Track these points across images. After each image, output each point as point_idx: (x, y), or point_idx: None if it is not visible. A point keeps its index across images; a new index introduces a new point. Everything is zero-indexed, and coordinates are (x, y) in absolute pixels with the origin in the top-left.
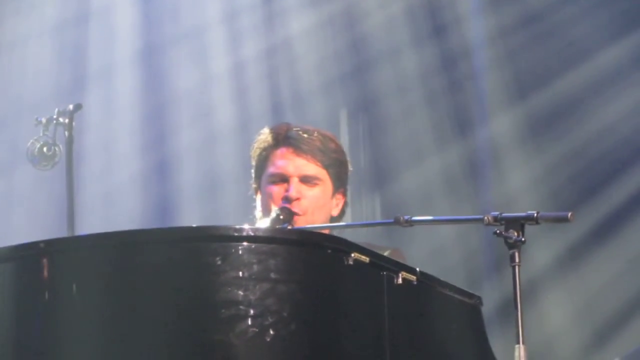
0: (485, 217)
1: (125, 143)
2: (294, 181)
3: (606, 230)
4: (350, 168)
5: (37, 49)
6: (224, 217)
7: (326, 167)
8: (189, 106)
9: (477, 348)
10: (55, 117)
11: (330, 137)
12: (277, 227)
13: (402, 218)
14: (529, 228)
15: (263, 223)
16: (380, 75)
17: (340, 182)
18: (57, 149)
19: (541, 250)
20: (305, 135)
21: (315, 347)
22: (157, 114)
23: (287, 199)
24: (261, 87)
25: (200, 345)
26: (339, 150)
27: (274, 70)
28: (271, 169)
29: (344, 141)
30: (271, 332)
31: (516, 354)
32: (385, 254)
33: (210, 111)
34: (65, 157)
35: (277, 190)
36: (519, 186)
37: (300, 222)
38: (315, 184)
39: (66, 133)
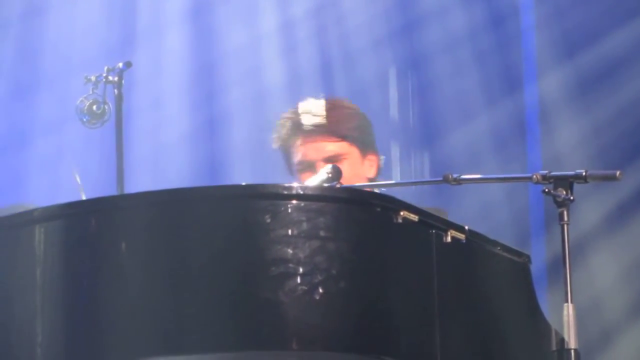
0: (534, 176)
1: (174, 101)
2: (320, 165)
3: None
4: (369, 125)
5: (86, 6)
6: (274, 176)
7: (346, 138)
8: (239, 64)
9: (526, 306)
10: (104, 75)
11: (342, 104)
12: (326, 185)
13: (450, 176)
14: (577, 186)
15: (312, 181)
16: (429, 33)
17: (366, 144)
18: (106, 107)
19: (590, 208)
20: (315, 117)
21: (364, 305)
22: (207, 71)
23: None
24: (310, 45)
25: (249, 303)
26: (355, 114)
27: (323, 28)
28: (296, 159)
29: (393, 99)
30: (320, 289)
31: (565, 312)
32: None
33: (260, 69)
34: (114, 115)
35: (308, 176)
36: (567, 144)
37: None
38: (340, 161)
39: (115, 91)
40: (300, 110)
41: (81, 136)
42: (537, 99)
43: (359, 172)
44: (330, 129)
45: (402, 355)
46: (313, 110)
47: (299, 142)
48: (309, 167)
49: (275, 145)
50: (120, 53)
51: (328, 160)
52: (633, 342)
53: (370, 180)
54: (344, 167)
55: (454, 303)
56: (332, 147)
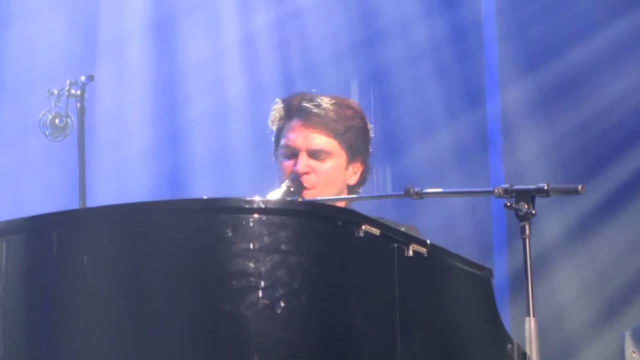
0: (496, 189)
1: (137, 114)
2: (303, 156)
3: (617, 202)
4: (371, 133)
5: (49, 20)
6: (235, 189)
7: (339, 138)
8: (201, 77)
9: (488, 320)
10: (67, 88)
11: (347, 103)
12: (288, 199)
13: (412, 190)
14: (539, 200)
15: (274, 195)
16: (391, 46)
17: (356, 151)
18: (69, 120)
19: (552, 222)
20: (316, 107)
21: (326, 319)
22: (169, 84)
23: (295, 174)
24: (272, 57)
25: (210, 317)
26: (356, 116)
27: (285, 40)
28: (283, 142)
29: None
30: (282, 303)
31: (526, 326)
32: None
33: (222, 82)
34: (77, 128)
35: (288, 164)
36: (529, 158)
37: (309, 196)
38: (324, 159)
39: (78, 104)
40: (306, 96)
41: (44, 149)
42: (499, 111)
43: (339, 176)
44: (326, 122)
45: None
46: (318, 100)
47: (292, 124)
48: (292, 154)
49: (270, 124)
50: (82, 66)
51: (312, 153)
52: (594, 355)
53: (351, 187)
54: (325, 166)
55: (415, 316)
56: (321, 141)
